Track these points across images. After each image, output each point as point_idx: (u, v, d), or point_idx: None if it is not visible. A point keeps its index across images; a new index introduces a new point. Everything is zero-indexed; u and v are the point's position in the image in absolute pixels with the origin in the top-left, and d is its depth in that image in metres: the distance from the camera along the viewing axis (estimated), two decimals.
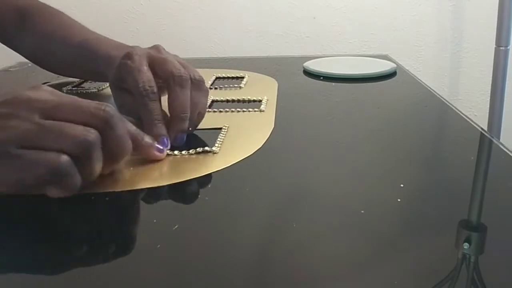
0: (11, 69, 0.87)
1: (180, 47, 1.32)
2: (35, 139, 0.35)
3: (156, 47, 0.52)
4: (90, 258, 0.31)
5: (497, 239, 0.33)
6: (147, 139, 0.43)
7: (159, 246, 0.32)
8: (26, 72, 0.85)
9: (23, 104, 0.36)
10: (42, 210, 0.37)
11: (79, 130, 0.36)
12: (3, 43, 0.71)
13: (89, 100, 0.38)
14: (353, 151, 0.48)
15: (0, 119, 0.35)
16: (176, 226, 0.34)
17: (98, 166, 0.38)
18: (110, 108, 0.38)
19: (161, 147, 0.44)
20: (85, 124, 0.37)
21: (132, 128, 0.41)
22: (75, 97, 0.39)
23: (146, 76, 0.47)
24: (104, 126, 0.37)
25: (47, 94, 0.37)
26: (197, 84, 0.49)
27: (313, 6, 1.34)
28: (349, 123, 0.56)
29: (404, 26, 1.36)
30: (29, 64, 0.90)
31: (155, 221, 0.36)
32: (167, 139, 0.45)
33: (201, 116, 0.50)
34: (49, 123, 0.36)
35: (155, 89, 0.46)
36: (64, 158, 0.35)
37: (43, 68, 0.71)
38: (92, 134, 0.36)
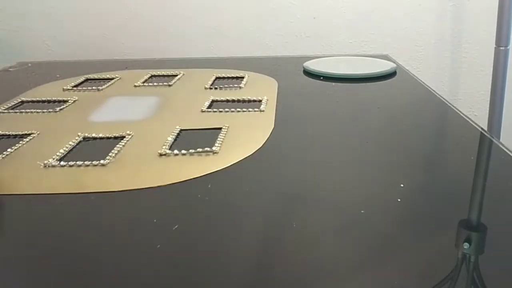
0: (11, 69, 0.87)
1: (180, 47, 1.32)
2: None
3: None
4: (90, 258, 0.31)
5: (497, 239, 0.33)
6: None
7: (159, 246, 0.32)
8: (26, 72, 0.85)
9: None
10: (41, 210, 0.37)
11: None
12: None
13: None
14: (353, 151, 0.48)
15: None
16: (176, 226, 0.34)
17: None
18: None
19: None
20: None
21: None
22: None
23: None
24: None
25: None
26: None
27: (313, 6, 1.34)
28: (349, 123, 0.56)
29: (404, 26, 1.36)
30: (29, 64, 0.90)
31: (155, 221, 0.36)
32: None
33: None
34: None
35: None
36: None
37: None
38: None
